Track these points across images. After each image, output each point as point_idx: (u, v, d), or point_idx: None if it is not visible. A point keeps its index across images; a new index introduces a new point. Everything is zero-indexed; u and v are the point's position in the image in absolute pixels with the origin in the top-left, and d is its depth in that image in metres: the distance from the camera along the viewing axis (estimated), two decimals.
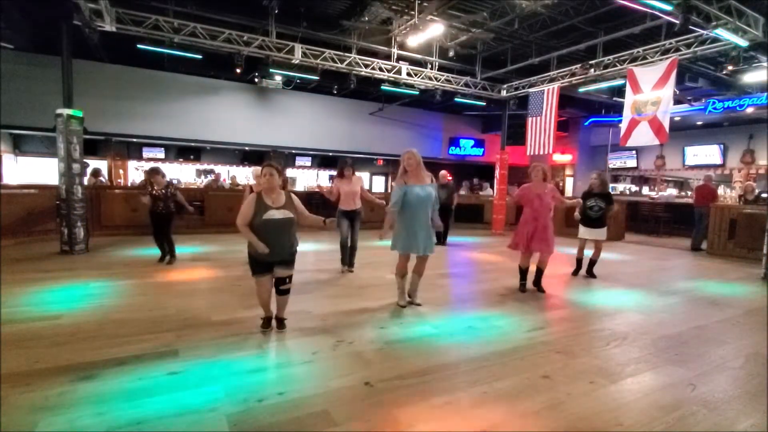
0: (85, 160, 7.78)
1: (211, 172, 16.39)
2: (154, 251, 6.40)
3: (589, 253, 6.30)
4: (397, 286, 4.48)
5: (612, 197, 6.31)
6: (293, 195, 3.58)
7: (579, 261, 6.45)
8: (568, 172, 20.02)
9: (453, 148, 19.12)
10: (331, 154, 17.70)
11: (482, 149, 19.57)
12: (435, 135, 19.00)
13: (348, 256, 6.12)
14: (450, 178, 9.36)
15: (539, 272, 5.32)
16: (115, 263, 6.29)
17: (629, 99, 9.00)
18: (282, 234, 3.40)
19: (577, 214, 6.33)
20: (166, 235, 6.28)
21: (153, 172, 6.23)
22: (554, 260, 7.93)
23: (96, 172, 10.24)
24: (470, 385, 2.76)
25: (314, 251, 7.95)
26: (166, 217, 6.19)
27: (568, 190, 19.45)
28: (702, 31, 7.58)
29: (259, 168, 5.27)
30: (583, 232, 6.31)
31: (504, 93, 12.87)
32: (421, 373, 2.90)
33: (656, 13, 7.19)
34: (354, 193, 5.92)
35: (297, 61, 9.63)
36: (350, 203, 5.93)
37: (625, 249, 9.29)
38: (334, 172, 19.41)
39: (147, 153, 15.51)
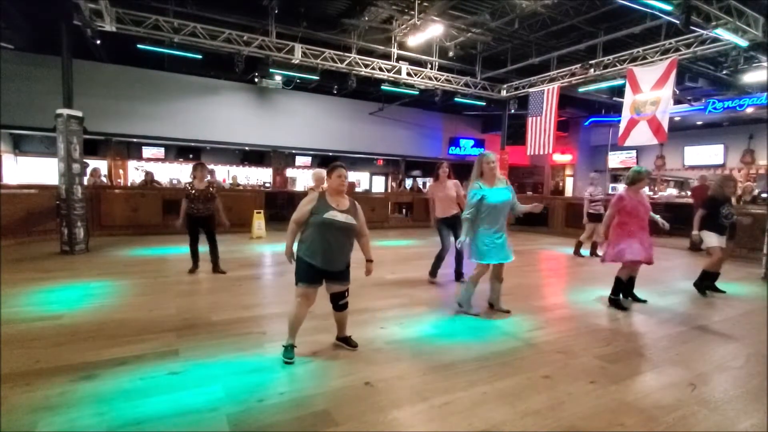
0: (85, 160, 7.79)
1: (211, 172, 16.34)
2: (154, 251, 6.38)
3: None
4: (467, 292, 4.36)
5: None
6: (357, 204, 3.20)
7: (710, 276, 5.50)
8: (568, 172, 20.02)
9: (453, 148, 19.13)
10: (331, 154, 17.73)
11: (482, 149, 19.58)
12: (435, 135, 19.00)
13: (457, 265, 5.66)
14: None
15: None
16: (115, 263, 6.29)
17: (629, 99, 9.01)
18: (341, 240, 3.03)
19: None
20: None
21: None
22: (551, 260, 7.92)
23: (95, 172, 10.20)
24: (470, 385, 2.75)
25: None
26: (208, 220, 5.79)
27: (568, 190, 19.47)
28: (702, 31, 7.59)
29: (321, 170, 5.08)
30: (720, 240, 5.44)
31: (504, 93, 12.88)
32: (421, 373, 2.90)
33: (656, 13, 7.19)
34: (450, 198, 5.45)
35: (297, 61, 9.63)
36: (447, 209, 5.49)
37: None
38: None
39: (147, 153, 15.50)
